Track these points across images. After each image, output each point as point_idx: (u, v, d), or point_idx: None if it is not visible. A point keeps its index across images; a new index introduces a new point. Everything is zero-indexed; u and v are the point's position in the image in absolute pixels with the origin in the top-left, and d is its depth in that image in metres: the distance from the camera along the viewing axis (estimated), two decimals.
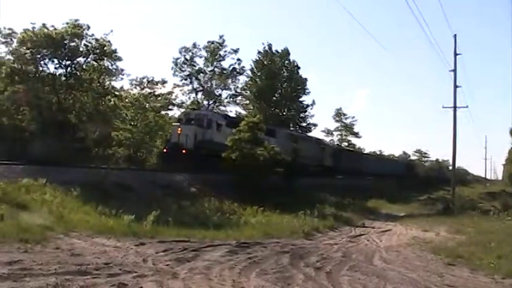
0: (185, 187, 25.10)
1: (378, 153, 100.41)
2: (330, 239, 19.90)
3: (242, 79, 59.21)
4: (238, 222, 20.30)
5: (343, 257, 14.49)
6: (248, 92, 60.08)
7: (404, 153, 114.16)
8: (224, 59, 56.35)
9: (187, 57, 55.61)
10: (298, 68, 61.87)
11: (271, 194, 27.52)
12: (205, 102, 55.62)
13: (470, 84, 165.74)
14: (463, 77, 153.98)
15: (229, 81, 56.97)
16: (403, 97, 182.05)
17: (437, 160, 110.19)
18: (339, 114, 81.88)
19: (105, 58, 38.05)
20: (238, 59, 56.90)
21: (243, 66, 57.87)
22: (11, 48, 35.96)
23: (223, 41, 55.84)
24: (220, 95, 57.42)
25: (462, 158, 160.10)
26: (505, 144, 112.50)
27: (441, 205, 42.50)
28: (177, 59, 55.50)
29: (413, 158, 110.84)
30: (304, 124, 62.87)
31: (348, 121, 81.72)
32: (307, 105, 62.80)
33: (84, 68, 37.51)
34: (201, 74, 55.87)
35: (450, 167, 60.18)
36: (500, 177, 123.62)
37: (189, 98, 56.03)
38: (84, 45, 36.55)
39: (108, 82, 41.13)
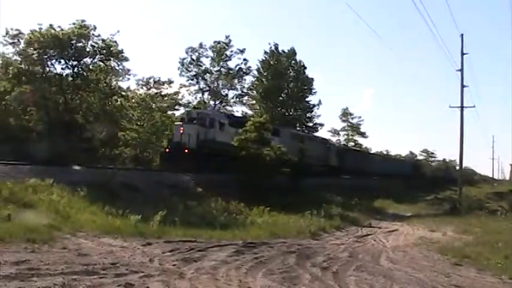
0: (191, 187, 25.10)
1: (385, 153, 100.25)
2: (336, 239, 19.87)
3: (248, 79, 59.41)
4: (245, 222, 20.28)
5: (349, 257, 14.48)
6: (254, 92, 60.14)
7: (411, 153, 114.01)
8: (230, 59, 56.51)
9: (194, 57, 55.75)
10: (305, 68, 61.98)
11: (277, 194, 27.50)
12: (211, 102, 55.67)
13: (478, 84, 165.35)
14: (470, 77, 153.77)
15: (236, 81, 57.02)
16: (410, 97, 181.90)
17: (444, 160, 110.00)
18: (345, 114, 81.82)
19: (112, 58, 38.14)
20: (245, 59, 57.05)
21: (250, 66, 58.03)
22: (18, 49, 36.06)
23: (230, 41, 55.98)
24: (226, 95, 57.55)
25: (469, 157, 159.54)
26: None
27: (448, 205, 42.36)
28: (184, 59, 55.66)
29: (420, 158, 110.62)
30: (311, 124, 62.85)
31: (354, 121, 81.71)
32: (314, 105, 62.89)
33: (91, 68, 37.61)
34: (208, 74, 55.99)
35: (457, 167, 60.05)
36: (507, 177, 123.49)
37: (196, 98, 56.23)
38: (91, 45, 36.70)
39: (114, 82, 41.23)
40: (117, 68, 39.85)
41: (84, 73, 37.14)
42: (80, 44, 36.11)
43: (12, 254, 9.23)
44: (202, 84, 56.10)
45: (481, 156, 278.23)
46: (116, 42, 37.65)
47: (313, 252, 14.59)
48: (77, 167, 23.58)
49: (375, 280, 11.02)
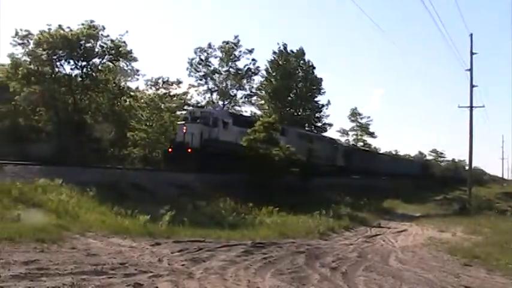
0: (200, 187, 25.05)
1: (394, 153, 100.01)
2: (345, 239, 19.84)
3: (257, 79, 59.40)
4: (254, 222, 20.25)
5: (358, 257, 14.43)
6: (263, 92, 60.13)
7: (420, 153, 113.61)
8: (239, 59, 56.59)
9: (203, 57, 55.88)
10: (314, 68, 61.83)
11: (285, 194, 27.48)
12: (220, 103, 55.72)
13: (487, 84, 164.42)
14: (480, 77, 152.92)
15: (245, 81, 57.03)
16: (419, 97, 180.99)
17: (453, 160, 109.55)
18: (354, 114, 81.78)
19: (121, 59, 38.27)
20: (253, 59, 57.06)
21: (258, 66, 58.06)
22: (27, 50, 36.21)
23: (238, 41, 56.02)
24: (235, 95, 57.53)
25: (479, 157, 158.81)
26: None
27: (457, 205, 42.19)
28: (192, 59, 55.83)
29: (429, 158, 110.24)
30: (320, 124, 62.78)
31: (363, 121, 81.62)
32: (323, 105, 62.81)
33: (100, 68, 37.75)
34: (216, 74, 56.07)
35: (466, 167, 59.81)
36: None
37: (204, 98, 56.30)
38: (100, 46, 36.88)
39: (123, 83, 41.36)
40: (126, 68, 40.02)
41: (93, 73, 37.28)
42: (89, 45, 36.31)
43: (22, 253, 9.25)
44: (211, 85, 56.30)
45: (491, 156, 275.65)
46: (124, 42, 37.86)
47: (322, 253, 14.56)
48: (86, 168, 23.64)
49: (384, 280, 10.97)
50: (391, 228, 25.68)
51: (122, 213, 16.16)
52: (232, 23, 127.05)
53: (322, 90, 62.42)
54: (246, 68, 56.62)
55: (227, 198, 23.15)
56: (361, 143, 79.94)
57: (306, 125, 59.44)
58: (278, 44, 62.34)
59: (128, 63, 39.86)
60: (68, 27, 35.87)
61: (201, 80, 55.93)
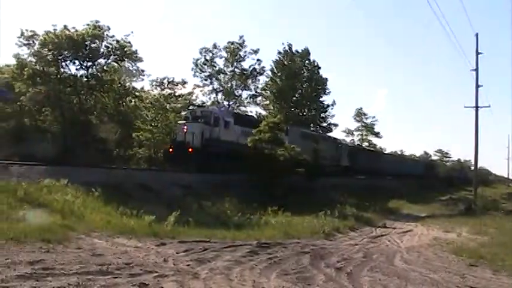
0: (204, 187, 25.03)
1: (399, 153, 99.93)
2: (350, 240, 19.82)
3: (262, 79, 59.22)
4: (259, 223, 20.24)
5: (364, 257, 14.42)
6: (268, 92, 60.00)
7: (426, 153, 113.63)
8: (244, 60, 56.39)
9: (208, 57, 55.80)
10: (319, 68, 61.73)
11: (290, 194, 27.45)
12: (225, 103, 55.66)
13: (493, 84, 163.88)
14: (485, 76, 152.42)
15: (250, 81, 56.91)
16: (424, 97, 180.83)
17: (458, 160, 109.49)
18: (359, 114, 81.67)
19: (126, 59, 38.35)
20: (259, 60, 56.90)
21: (263, 67, 57.86)
22: (33, 50, 36.31)
23: (243, 41, 55.91)
24: (240, 95, 57.42)
25: (484, 158, 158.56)
26: None
27: (463, 205, 42.00)
28: (198, 59, 55.75)
29: (434, 158, 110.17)
30: (325, 124, 62.71)
31: (368, 121, 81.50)
32: (328, 105, 62.69)
33: (105, 69, 37.84)
34: (221, 75, 55.99)
35: (472, 167, 59.76)
36: None
37: (210, 98, 56.17)
38: (105, 46, 36.96)
39: (128, 83, 41.44)
40: (131, 68, 40.11)
41: (99, 74, 37.36)
42: (94, 45, 36.41)
43: (27, 253, 9.26)
44: (216, 85, 56.20)
45: (496, 156, 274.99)
46: (129, 43, 37.91)
47: (327, 253, 14.56)
48: (91, 168, 23.67)
49: (389, 281, 10.97)
50: (397, 228, 25.63)
51: (127, 213, 16.18)
52: (237, 23, 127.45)
53: (327, 90, 62.43)
54: (251, 68, 56.51)
55: (232, 198, 23.17)
56: (367, 143, 79.90)
57: (311, 125, 59.36)
58: (283, 44, 62.26)
59: (133, 64, 40.01)
60: (73, 28, 36.02)
61: (206, 80, 55.93)
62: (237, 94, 56.87)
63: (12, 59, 37.54)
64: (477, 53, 41.86)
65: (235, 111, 48.54)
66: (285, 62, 60.40)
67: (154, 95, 47.92)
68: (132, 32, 38.55)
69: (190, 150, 28.97)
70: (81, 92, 37.17)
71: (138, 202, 18.00)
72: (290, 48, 61.23)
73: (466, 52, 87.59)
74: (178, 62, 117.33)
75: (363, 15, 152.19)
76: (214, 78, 55.84)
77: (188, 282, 8.78)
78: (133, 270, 9.09)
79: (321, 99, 61.99)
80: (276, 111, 55.53)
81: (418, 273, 12.22)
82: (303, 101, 60.31)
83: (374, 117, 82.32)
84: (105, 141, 38.72)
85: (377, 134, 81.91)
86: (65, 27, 35.66)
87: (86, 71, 37.20)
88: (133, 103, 40.65)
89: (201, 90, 55.38)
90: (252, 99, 58.28)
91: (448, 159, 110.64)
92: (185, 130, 30.11)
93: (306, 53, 61.25)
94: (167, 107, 46.88)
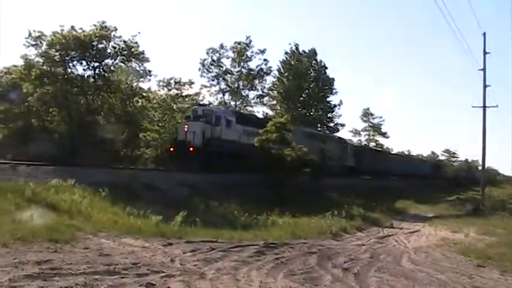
0: (209, 187, 25.02)
1: (406, 153, 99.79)
2: (357, 240, 19.83)
3: (269, 79, 59.28)
4: (266, 223, 20.27)
5: (371, 258, 14.40)
6: (275, 92, 59.98)
7: (433, 153, 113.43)
8: (251, 60, 56.53)
9: (215, 58, 55.94)
10: (326, 68, 61.68)
11: (297, 194, 27.43)
12: (232, 103, 55.71)
13: (500, 83, 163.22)
14: (493, 76, 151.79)
15: (256, 81, 56.97)
16: (431, 96, 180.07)
17: (466, 160, 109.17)
18: (366, 114, 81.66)
19: (133, 59, 38.40)
20: (265, 60, 57.01)
21: (270, 67, 57.99)
22: (40, 51, 36.35)
23: (250, 41, 55.98)
24: (247, 95, 57.47)
25: (492, 157, 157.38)
26: None
27: (471, 206, 41.88)
28: (204, 60, 55.90)
29: (441, 158, 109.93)
30: (332, 124, 62.64)
31: (375, 121, 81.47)
32: (335, 105, 62.62)
33: (112, 69, 37.91)
34: (228, 75, 56.06)
35: (480, 167, 59.51)
36: None
37: (217, 98, 56.28)
38: (112, 46, 36.98)
39: (136, 83, 41.49)
40: (138, 69, 40.16)
41: (106, 74, 37.42)
42: (101, 45, 36.43)
43: (35, 253, 9.28)
44: (223, 85, 56.30)
45: (505, 156, 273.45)
46: (137, 43, 37.91)
47: (334, 253, 14.55)
48: (98, 168, 23.71)
49: (396, 281, 10.94)
50: (404, 228, 25.61)
51: (134, 213, 16.22)
52: (244, 23, 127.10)
53: (334, 90, 62.34)
54: (258, 69, 56.64)
55: (239, 198, 23.17)
56: (374, 143, 79.86)
57: (318, 125, 59.31)
58: (290, 44, 62.22)
59: (140, 64, 40.00)
60: (81, 28, 36.07)
61: (213, 80, 56.07)
62: (243, 94, 56.96)
63: (20, 60, 37.62)
64: (485, 53, 41.70)
65: (240, 110, 48.52)
66: (292, 62, 60.37)
67: (161, 96, 47.91)
68: (139, 33, 38.38)
69: (191, 149, 28.72)
70: (88, 92, 37.22)
71: (145, 202, 18.04)
72: (297, 48, 61.24)
73: (474, 52, 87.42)
74: (186, 62, 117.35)
75: (370, 15, 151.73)
76: (221, 79, 55.99)
77: (195, 282, 8.77)
78: (140, 270, 9.10)
79: (328, 99, 61.97)
80: (283, 111, 55.43)
81: (426, 274, 12.19)
82: (309, 101, 60.22)
83: (381, 117, 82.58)
84: (112, 142, 38.75)
85: (384, 134, 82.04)
86: (72, 27, 35.72)
87: (93, 72, 37.28)
88: (140, 103, 40.62)
89: (208, 91, 55.53)
90: (258, 100, 58.43)
91: (455, 159, 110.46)
92: (186, 129, 29.88)
93: (313, 53, 61.20)
94: (174, 107, 46.89)
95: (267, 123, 31.10)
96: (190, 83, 51.06)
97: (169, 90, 49.56)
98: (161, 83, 49.34)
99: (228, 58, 56.27)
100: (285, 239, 16.62)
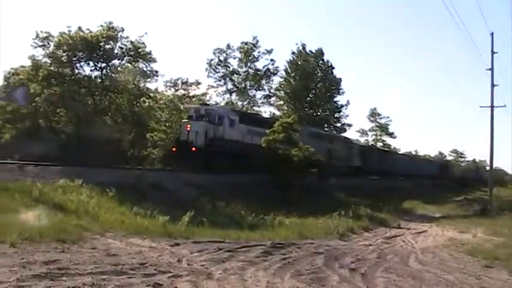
0: (218, 187, 25.01)
1: (414, 153, 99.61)
2: (364, 240, 19.78)
3: (276, 80, 59.13)
4: (273, 223, 20.25)
5: (378, 258, 14.36)
6: (282, 92, 59.88)
7: (440, 153, 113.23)
8: (258, 60, 56.37)
9: (221, 58, 55.86)
10: (333, 68, 61.45)
11: (303, 194, 27.40)
12: (239, 103, 55.69)
13: (509, 83, 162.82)
14: (501, 76, 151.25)
15: (263, 81, 56.87)
16: (439, 97, 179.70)
17: (474, 160, 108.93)
18: (373, 114, 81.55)
19: (140, 60, 38.49)
20: (272, 60, 56.86)
21: (277, 67, 57.80)
22: (48, 52, 36.49)
23: (257, 41, 55.89)
24: (254, 95, 57.39)
25: (500, 158, 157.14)
26: None
27: (478, 206, 41.68)
28: (211, 60, 55.83)
29: (449, 158, 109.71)
30: (339, 124, 62.46)
31: (382, 121, 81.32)
32: (342, 106, 62.42)
33: (119, 70, 38.01)
34: (235, 75, 56.00)
35: (487, 167, 59.33)
36: None
37: (223, 99, 56.27)
38: (119, 47, 37.11)
39: (142, 84, 41.57)
40: (145, 69, 40.24)
41: (113, 75, 37.52)
42: (108, 46, 36.58)
43: (43, 253, 9.30)
44: (229, 85, 56.22)
45: None
46: (144, 43, 38.01)
47: (341, 253, 14.52)
48: (105, 168, 23.75)
49: (403, 281, 10.91)
50: (411, 229, 25.54)
51: (141, 213, 16.25)
52: (251, 23, 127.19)
53: (341, 91, 62.13)
54: (265, 69, 56.50)
55: (245, 198, 23.15)
56: (381, 143, 79.73)
57: (325, 125, 59.19)
58: (297, 44, 62.13)
59: (147, 64, 40.08)
60: (88, 29, 36.22)
61: (220, 80, 56.01)
62: (250, 94, 56.89)
63: (28, 61, 37.78)
64: (492, 53, 41.50)
65: (246, 111, 48.47)
66: (299, 62, 60.23)
67: (168, 96, 48.01)
68: (146, 33, 38.54)
69: (193, 149, 28.42)
70: (96, 92, 37.37)
71: (152, 202, 18.07)
72: (304, 48, 61.10)
73: (482, 51, 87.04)
74: (193, 62, 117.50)
75: (377, 15, 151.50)
76: (228, 79, 55.91)
77: (202, 282, 8.77)
78: (147, 270, 9.10)
79: (335, 100, 61.76)
80: (290, 111, 55.34)
81: (433, 274, 12.14)
82: (316, 101, 60.04)
83: (388, 117, 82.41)
84: (119, 142, 38.85)
85: (391, 134, 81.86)
86: (79, 28, 35.91)
87: (100, 72, 37.42)
88: (147, 104, 40.76)
89: (215, 91, 55.58)
90: (265, 100, 58.32)
91: (463, 159, 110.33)
92: (188, 129, 29.52)
93: (320, 53, 61.02)
94: (181, 107, 46.96)
95: (273, 123, 31.00)
96: (197, 83, 51.20)
97: (176, 90, 49.68)
98: (168, 83, 49.50)
99: (235, 58, 56.26)
100: (292, 239, 16.61)
